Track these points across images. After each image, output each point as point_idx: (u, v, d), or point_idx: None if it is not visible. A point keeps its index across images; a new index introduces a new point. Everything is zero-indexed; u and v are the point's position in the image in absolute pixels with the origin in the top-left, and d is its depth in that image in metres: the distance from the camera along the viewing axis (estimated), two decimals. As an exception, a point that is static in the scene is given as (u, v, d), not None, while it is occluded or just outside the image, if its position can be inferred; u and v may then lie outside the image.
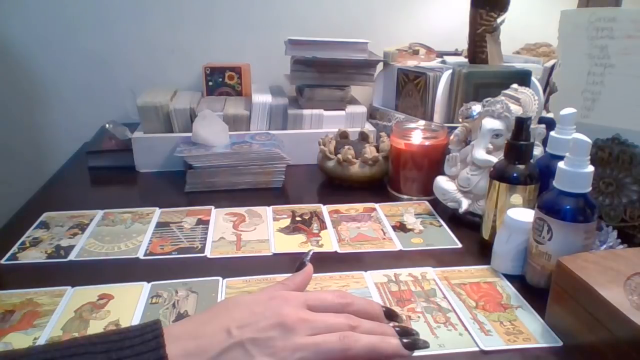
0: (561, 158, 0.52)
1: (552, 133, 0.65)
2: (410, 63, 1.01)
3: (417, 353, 0.44)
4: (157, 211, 0.76)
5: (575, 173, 0.50)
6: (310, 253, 0.53)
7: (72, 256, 0.63)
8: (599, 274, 0.45)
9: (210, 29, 1.15)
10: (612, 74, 0.69)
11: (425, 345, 0.43)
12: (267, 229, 0.71)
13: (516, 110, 0.68)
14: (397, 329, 0.45)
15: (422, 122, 0.85)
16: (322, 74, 0.97)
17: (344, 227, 0.71)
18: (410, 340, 0.43)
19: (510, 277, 0.59)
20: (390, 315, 0.46)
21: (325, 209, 0.77)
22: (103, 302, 0.54)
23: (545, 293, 0.51)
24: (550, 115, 0.81)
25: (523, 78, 0.86)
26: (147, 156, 0.93)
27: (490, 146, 0.69)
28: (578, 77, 0.72)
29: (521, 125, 0.60)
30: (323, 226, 0.72)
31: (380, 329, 0.43)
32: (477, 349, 0.47)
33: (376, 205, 0.78)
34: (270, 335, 0.38)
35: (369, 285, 0.57)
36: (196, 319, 0.41)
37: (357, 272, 0.60)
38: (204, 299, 0.55)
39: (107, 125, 0.99)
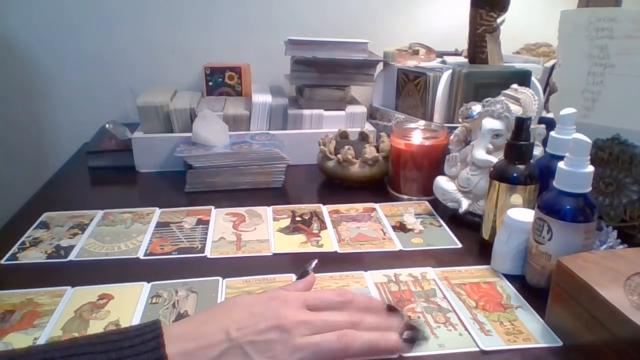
0: (561, 158, 0.52)
1: (552, 133, 0.64)
2: (410, 63, 1.01)
3: (417, 353, 0.44)
4: (157, 211, 0.76)
5: (575, 173, 0.50)
6: (314, 263, 0.52)
7: (72, 256, 0.63)
8: (599, 274, 0.45)
9: (210, 29, 1.15)
10: (612, 74, 0.69)
11: (423, 337, 0.43)
12: (267, 229, 0.71)
13: (516, 110, 0.68)
14: None
15: (422, 122, 0.85)
16: (322, 74, 0.97)
17: (344, 227, 0.71)
18: (409, 334, 0.43)
19: (510, 277, 0.59)
20: (391, 311, 0.46)
21: (325, 209, 0.77)
22: (103, 302, 0.54)
23: (545, 293, 0.51)
24: (550, 115, 0.81)
25: (523, 78, 0.86)
26: (147, 156, 0.93)
27: (490, 146, 0.69)
28: (578, 77, 0.72)
29: (521, 125, 0.60)
30: (323, 226, 0.72)
31: (385, 323, 0.43)
32: (477, 349, 0.47)
33: (376, 205, 0.78)
34: (269, 338, 0.38)
35: (369, 285, 0.57)
36: (196, 319, 0.41)
37: (357, 272, 0.60)
38: (204, 299, 0.55)
39: (107, 125, 0.99)
